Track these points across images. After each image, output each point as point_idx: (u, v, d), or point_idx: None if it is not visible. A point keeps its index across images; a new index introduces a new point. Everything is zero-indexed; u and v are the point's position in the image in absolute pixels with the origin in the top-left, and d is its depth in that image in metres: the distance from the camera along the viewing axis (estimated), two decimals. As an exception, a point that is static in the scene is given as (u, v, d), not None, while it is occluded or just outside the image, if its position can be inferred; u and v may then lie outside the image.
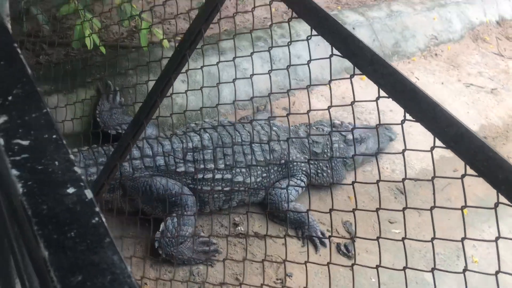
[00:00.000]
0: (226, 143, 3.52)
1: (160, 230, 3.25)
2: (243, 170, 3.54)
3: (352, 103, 1.81)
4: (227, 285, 3.05)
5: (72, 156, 0.85)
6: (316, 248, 3.65)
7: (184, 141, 3.46)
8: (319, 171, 3.99)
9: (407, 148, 1.52)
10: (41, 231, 0.72)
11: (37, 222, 0.74)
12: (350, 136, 4.17)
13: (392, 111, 5.13)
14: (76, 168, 0.83)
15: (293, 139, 3.93)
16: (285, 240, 2.79)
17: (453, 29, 6.50)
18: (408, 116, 1.23)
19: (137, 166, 3.36)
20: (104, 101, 3.86)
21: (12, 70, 0.97)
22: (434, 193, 1.62)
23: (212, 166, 3.45)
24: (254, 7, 2.49)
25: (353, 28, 5.58)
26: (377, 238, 2.16)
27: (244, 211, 3.63)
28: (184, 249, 3.28)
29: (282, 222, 3.72)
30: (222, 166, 3.49)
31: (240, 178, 3.54)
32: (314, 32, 1.55)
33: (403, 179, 1.64)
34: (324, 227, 3.86)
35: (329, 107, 1.98)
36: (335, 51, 1.47)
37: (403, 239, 1.78)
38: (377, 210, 2.09)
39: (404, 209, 1.90)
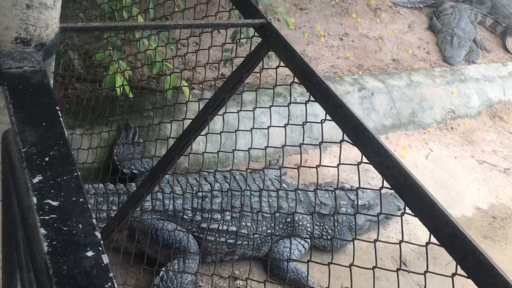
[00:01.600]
0: (235, 195, 3.60)
1: (160, 275, 3.29)
2: (249, 224, 3.59)
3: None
4: None
5: (94, 221, 0.94)
6: (313, 310, 3.63)
7: (195, 189, 3.55)
8: (324, 233, 4.02)
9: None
10: (59, 291, 0.80)
11: (56, 282, 0.81)
12: (359, 202, 4.22)
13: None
14: (96, 233, 0.91)
15: (301, 199, 3.98)
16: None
17: (471, 105, 6.61)
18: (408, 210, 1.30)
19: (147, 208, 3.44)
20: (122, 140, 4.00)
21: (52, 131, 1.08)
22: None
23: (219, 216, 3.51)
24: (279, 65, 2.61)
25: (372, 94, 5.74)
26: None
27: (245, 264, 3.66)
28: (182, 296, 3.29)
29: (282, 281, 3.72)
30: (228, 217, 3.55)
31: (244, 231, 3.59)
32: (328, 117, 1.66)
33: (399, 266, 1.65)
34: (323, 291, 3.85)
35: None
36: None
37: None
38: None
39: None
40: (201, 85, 4.77)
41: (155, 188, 2.71)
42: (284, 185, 4.04)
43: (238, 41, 2.56)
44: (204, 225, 3.48)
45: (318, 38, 6.43)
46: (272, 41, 1.83)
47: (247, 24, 1.79)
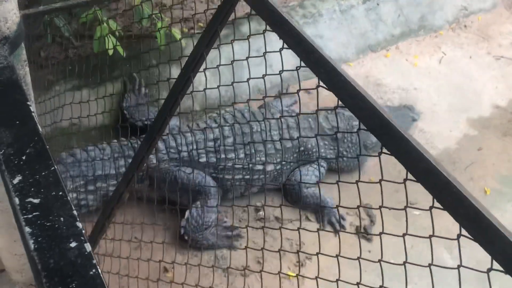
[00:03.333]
0: (246, 133, 3.66)
1: (185, 217, 3.47)
2: (263, 158, 3.68)
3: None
4: (249, 269, 3.25)
5: (75, 212, 1.01)
6: (335, 231, 3.79)
7: (205, 132, 3.62)
8: (339, 155, 4.08)
9: (383, 179, 1.60)
10: (48, 283, 0.89)
11: (45, 276, 0.90)
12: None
13: (417, 89, 5.11)
14: (78, 223, 0.99)
15: (312, 126, 4.01)
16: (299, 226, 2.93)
17: (485, -2, 6.27)
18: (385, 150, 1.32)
19: (162, 157, 3.56)
20: (130, 94, 4.05)
21: (25, 129, 1.13)
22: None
23: (233, 155, 3.60)
24: (250, 13, 2.48)
25: (377, 4, 5.50)
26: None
27: (264, 196, 3.80)
28: (209, 234, 3.49)
29: (303, 206, 3.87)
30: (242, 155, 3.64)
31: (260, 167, 3.69)
32: (303, 64, 1.64)
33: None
34: (343, 211, 3.98)
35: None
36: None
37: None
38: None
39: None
40: (195, 32, 4.67)
41: (165, 129, 2.75)
42: (293, 115, 4.05)
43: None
44: (219, 165, 3.59)
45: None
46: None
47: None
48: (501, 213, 4.19)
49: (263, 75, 2.17)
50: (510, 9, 6.40)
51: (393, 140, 1.21)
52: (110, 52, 3.01)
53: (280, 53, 1.83)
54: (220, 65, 2.97)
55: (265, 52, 2.00)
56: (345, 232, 3.84)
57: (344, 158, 4.10)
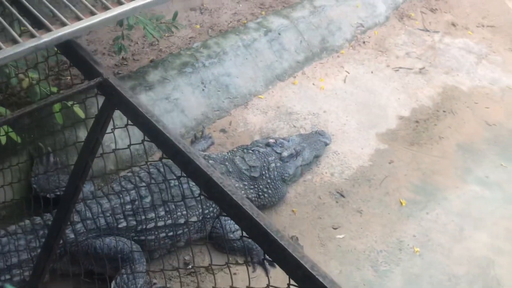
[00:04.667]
0: (164, 189, 3.64)
1: (112, 286, 3.39)
2: (184, 212, 3.68)
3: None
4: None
5: None
6: (266, 271, 3.85)
7: (121, 195, 3.56)
8: (260, 193, 4.17)
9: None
10: None
11: None
12: (285, 153, 4.36)
13: (326, 112, 5.33)
14: None
15: (230, 170, 4.07)
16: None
17: (377, 13, 6.67)
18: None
19: (79, 230, 3.46)
20: (38, 165, 3.90)
21: None
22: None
23: (153, 215, 3.58)
24: (127, 124, 2.38)
25: (279, 34, 5.70)
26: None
27: (194, 247, 3.80)
28: (140, 300, 3.43)
29: (231, 252, 3.91)
30: (162, 213, 3.62)
31: (182, 220, 3.68)
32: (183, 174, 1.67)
33: None
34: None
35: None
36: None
37: None
38: None
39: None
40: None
41: (79, 196, 2.66)
42: (210, 161, 4.08)
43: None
44: (140, 227, 3.55)
45: (214, -15, 6.19)
46: (113, 99, 1.78)
47: (84, 89, 1.71)
48: (418, 221, 4.48)
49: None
50: (402, 20, 6.86)
51: (272, 249, 1.28)
52: (3, 140, 2.89)
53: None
54: (128, 124, 2.96)
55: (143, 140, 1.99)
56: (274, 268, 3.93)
57: (265, 195, 4.19)
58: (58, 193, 3.74)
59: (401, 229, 4.40)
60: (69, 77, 4.29)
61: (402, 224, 4.44)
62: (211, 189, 1.44)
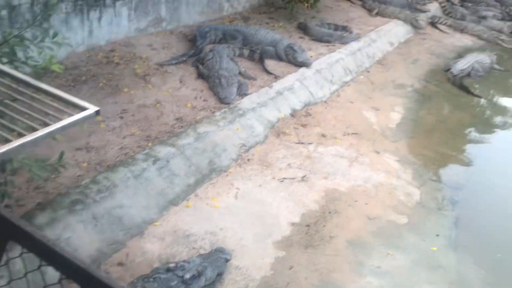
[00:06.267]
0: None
1: None
2: None
3: None
4: None
5: None
6: None
7: None
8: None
9: None
10: None
11: None
12: (187, 275, 4.35)
13: (222, 229, 5.50)
14: None
15: (131, 302, 3.94)
16: None
17: (256, 133, 7.32)
18: None
19: None
20: None
21: None
22: None
23: None
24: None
25: (168, 161, 5.95)
26: None
27: None
28: None
29: None
30: None
31: None
32: None
33: None
34: None
35: None
36: None
37: None
38: None
39: None
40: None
41: None
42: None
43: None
44: None
45: (98, 125, 6.41)
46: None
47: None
48: None
49: None
50: (279, 136, 7.58)
51: None
52: None
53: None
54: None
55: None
56: None
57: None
58: None
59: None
60: None
61: None
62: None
